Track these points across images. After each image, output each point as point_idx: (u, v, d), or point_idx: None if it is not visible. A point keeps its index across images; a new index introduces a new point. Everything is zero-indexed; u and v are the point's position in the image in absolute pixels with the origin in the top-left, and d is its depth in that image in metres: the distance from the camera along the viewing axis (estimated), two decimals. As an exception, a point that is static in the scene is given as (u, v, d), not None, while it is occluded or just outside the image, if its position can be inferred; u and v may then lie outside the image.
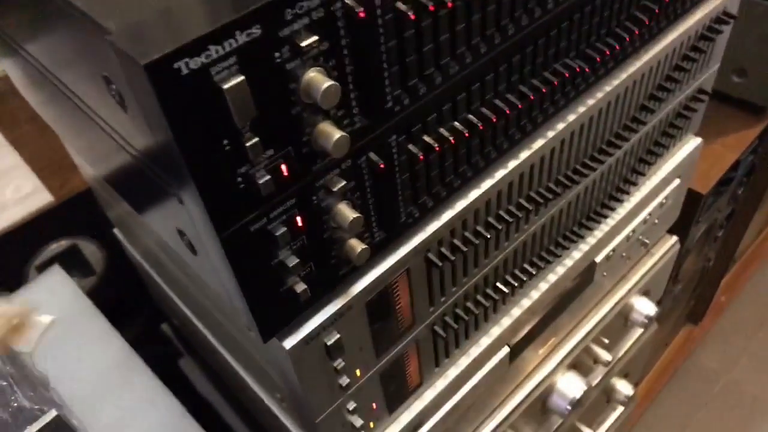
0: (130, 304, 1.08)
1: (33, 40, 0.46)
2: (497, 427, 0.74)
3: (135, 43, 0.27)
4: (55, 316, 0.77)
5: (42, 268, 0.97)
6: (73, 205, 0.98)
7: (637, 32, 0.53)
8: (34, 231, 0.96)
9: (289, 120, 0.33)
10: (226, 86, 0.29)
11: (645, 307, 0.88)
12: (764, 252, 1.77)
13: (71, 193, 0.98)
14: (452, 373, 0.61)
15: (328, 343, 0.45)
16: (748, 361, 1.62)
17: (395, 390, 0.56)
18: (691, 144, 0.78)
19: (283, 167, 0.34)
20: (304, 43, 0.31)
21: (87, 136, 0.49)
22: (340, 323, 0.45)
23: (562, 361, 0.79)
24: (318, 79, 0.32)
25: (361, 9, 0.32)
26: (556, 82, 0.48)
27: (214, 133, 0.30)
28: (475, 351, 0.62)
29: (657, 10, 0.54)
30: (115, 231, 0.87)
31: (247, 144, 0.31)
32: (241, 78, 0.29)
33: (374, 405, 0.55)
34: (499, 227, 0.53)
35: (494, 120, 0.45)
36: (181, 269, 0.63)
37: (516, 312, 0.65)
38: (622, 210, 0.72)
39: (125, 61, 0.28)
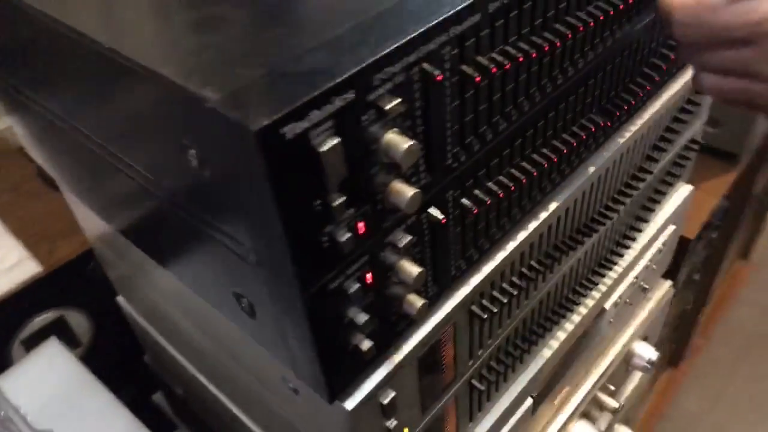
0: (118, 374, 1.05)
1: (71, 99, 0.46)
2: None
3: (239, 110, 0.28)
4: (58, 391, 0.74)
5: (29, 342, 0.93)
6: (60, 275, 0.96)
7: (648, 88, 0.56)
8: (20, 303, 0.93)
9: (368, 179, 0.34)
10: (323, 149, 0.30)
11: (646, 352, 0.89)
12: (733, 293, 1.83)
13: (60, 262, 0.96)
14: (484, 426, 0.61)
15: (384, 402, 0.44)
16: (727, 403, 1.65)
17: (434, 447, 0.56)
18: (683, 191, 0.82)
19: (361, 225, 0.35)
20: (388, 106, 0.32)
21: (116, 189, 0.48)
22: (395, 381, 0.45)
23: (575, 409, 0.79)
24: (398, 140, 0.33)
25: (439, 72, 0.33)
26: (584, 136, 0.50)
27: (309, 195, 0.31)
28: (504, 403, 0.62)
29: (664, 67, 0.57)
30: (118, 298, 0.84)
31: (335, 204, 0.32)
32: (337, 141, 0.30)
33: (416, 463, 0.54)
34: (531, 277, 0.54)
35: (534, 173, 0.46)
36: (207, 333, 0.61)
37: (539, 362, 0.65)
38: (628, 257, 0.74)
39: (227, 127, 0.28)
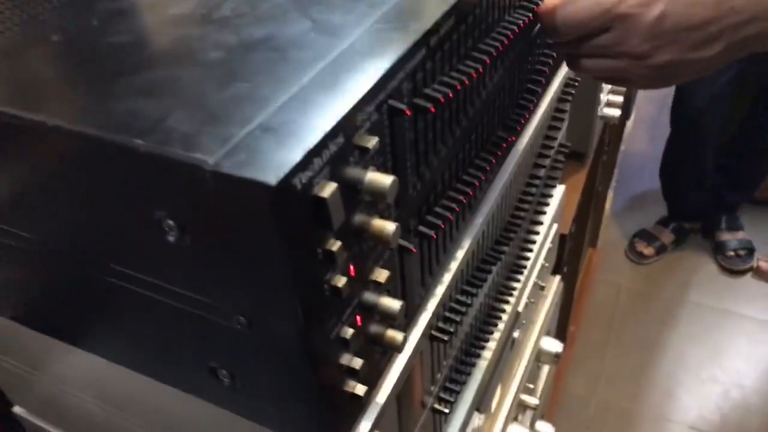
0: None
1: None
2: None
3: (245, 169, 0.27)
4: None
5: None
6: None
7: (535, 101, 0.61)
8: None
9: (355, 219, 0.34)
10: (326, 195, 0.29)
11: (553, 346, 0.95)
12: (589, 279, 2.00)
13: None
14: (445, 449, 0.62)
15: (376, 445, 0.44)
16: (606, 381, 1.79)
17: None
18: (559, 191, 0.89)
19: (351, 267, 0.34)
20: (370, 145, 0.32)
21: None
22: (381, 422, 0.44)
23: (508, 414, 0.83)
24: (380, 177, 0.33)
25: (405, 107, 0.34)
26: (499, 152, 0.54)
27: (314, 243, 0.30)
28: (458, 422, 0.64)
29: (543, 81, 0.63)
30: (15, 409, 0.75)
31: (335, 249, 0.31)
32: (335, 186, 0.30)
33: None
34: (472, 292, 0.56)
35: (471, 193, 0.49)
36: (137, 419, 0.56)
37: (478, 375, 0.67)
38: (530, 260, 0.79)
39: (233, 188, 0.27)
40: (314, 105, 0.31)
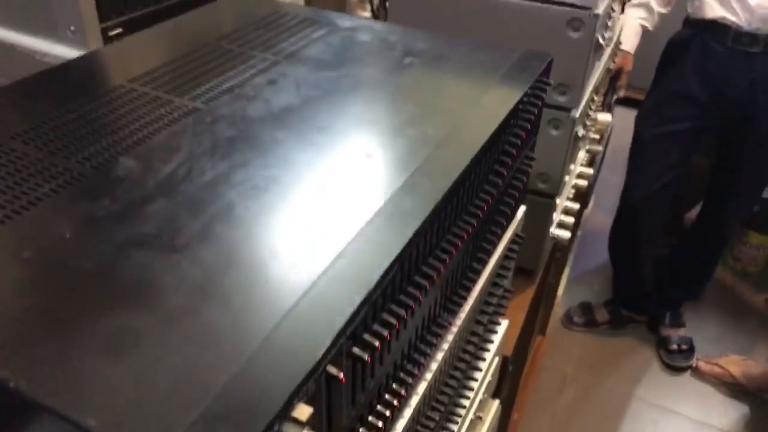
0: None
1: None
2: None
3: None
4: None
5: None
6: None
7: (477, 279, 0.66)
8: None
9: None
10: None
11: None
12: (535, 366, 2.05)
13: None
14: None
15: None
16: (545, 468, 1.83)
17: None
18: (502, 327, 0.94)
19: None
20: (305, 418, 0.36)
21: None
22: None
23: None
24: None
25: (342, 374, 0.38)
26: (440, 335, 0.58)
27: None
28: None
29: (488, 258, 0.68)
30: None
31: None
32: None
33: None
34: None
35: (405, 395, 0.52)
36: None
37: None
38: (467, 403, 0.83)
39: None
40: (254, 395, 0.34)
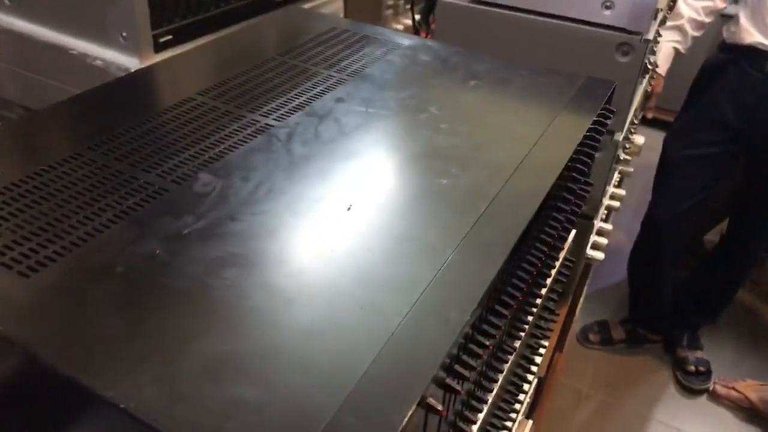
0: None
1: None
2: None
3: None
4: None
5: None
6: None
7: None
8: None
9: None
10: None
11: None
12: (553, 385, 2.04)
13: None
14: None
15: None
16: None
17: None
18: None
19: None
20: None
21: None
22: None
23: None
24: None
25: (442, 408, 0.38)
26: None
27: None
28: None
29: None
30: None
31: None
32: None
33: None
34: None
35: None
36: None
37: None
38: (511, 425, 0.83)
39: None
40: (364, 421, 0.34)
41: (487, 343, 0.45)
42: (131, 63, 0.93)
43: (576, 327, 2.25)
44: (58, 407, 0.38)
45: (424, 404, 0.37)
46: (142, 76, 0.69)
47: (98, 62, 1.00)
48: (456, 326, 0.40)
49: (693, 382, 2.06)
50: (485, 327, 0.46)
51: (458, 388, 0.41)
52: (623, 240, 2.54)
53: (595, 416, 2.01)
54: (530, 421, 1.05)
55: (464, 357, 0.43)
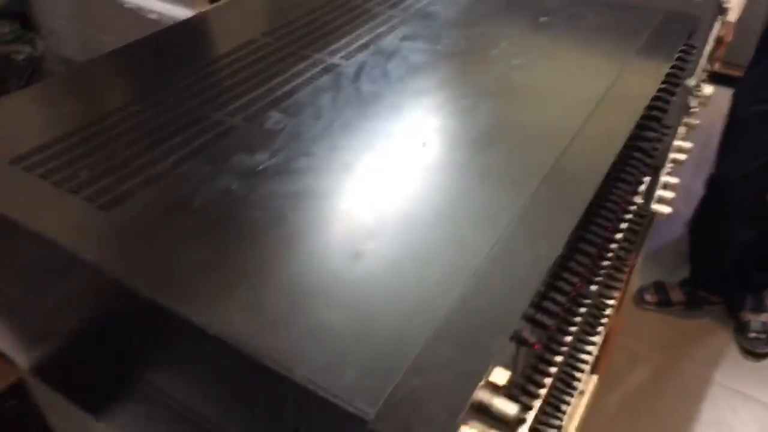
0: None
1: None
2: None
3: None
4: None
5: None
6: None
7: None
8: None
9: None
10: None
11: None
12: (610, 346, 2.01)
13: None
14: None
15: None
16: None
17: None
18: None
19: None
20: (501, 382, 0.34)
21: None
22: None
23: None
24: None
25: (535, 340, 0.37)
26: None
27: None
28: None
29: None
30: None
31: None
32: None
33: None
34: None
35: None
36: None
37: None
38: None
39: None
40: (458, 355, 0.33)
41: (575, 280, 0.43)
42: (185, 15, 0.92)
43: (632, 288, 2.20)
44: (144, 336, 0.38)
45: (516, 337, 0.36)
46: (207, 18, 0.67)
47: (153, 15, 1.00)
48: (547, 261, 0.38)
49: (757, 346, 2.00)
50: (572, 265, 0.44)
51: (549, 323, 0.39)
52: (680, 198, 2.44)
53: (652, 378, 1.97)
54: (595, 376, 1.03)
55: (552, 294, 0.41)
